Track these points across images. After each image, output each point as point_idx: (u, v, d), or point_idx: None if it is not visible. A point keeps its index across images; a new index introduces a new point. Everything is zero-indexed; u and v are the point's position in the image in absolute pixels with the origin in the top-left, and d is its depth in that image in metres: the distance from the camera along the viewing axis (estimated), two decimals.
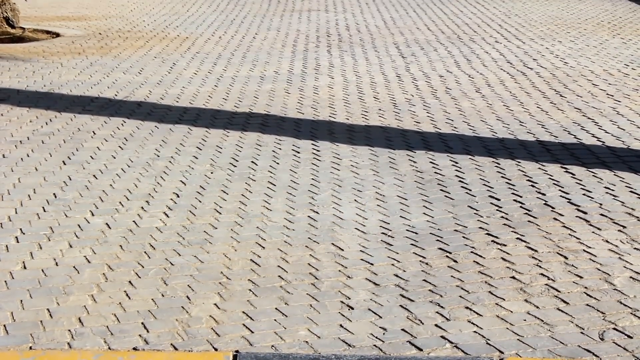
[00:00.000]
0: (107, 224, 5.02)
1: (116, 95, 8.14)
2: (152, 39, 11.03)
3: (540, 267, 4.44)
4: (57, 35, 11.26)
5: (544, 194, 5.51)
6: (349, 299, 4.10)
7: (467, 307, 4.00)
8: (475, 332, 3.78)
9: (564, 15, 13.03)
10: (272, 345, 3.66)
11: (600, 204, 5.33)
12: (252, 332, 3.77)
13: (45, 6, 13.85)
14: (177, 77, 8.92)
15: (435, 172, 5.96)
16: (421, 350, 3.63)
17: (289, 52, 10.26)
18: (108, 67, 9.36)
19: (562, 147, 6.53)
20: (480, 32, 11.57)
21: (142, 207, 5.29)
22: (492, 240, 4.79)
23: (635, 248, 4.68)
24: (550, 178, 5.82)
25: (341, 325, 3.84)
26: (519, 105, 7.78)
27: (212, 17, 12.93)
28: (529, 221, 5.06)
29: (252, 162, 6.20)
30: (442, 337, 3.74)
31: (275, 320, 3.88)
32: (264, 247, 4.70)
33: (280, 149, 6.51)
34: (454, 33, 11.48)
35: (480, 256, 4.58)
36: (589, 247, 4.69)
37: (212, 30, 11.77)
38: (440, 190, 5.61)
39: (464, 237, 4.84)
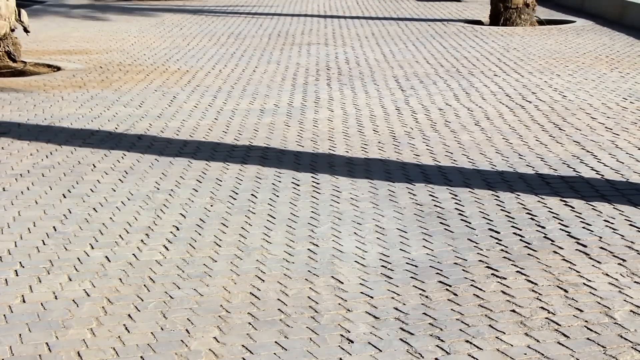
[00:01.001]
0: (106, 257, 5.02)
1: (116, 128, 8.17)
2: (152, 72, 11.09)
3: (540, 300, 4.44)
4: (58, 68, 11.31)
5: (543, 227, 5.51)
6: (349, 332, 4.09)
7: (467, 341, 4.00)
8: None
9: (562, 49, 13.10)
10: None
11: (600, 237, 5.34)
12: None
13: (46, 40, 13.93)
14: (178, 110, 8.95)
15: (434, 205, 5.97)
16: None
17: (288, 85, 10.31)
18: (109, 100, 9.40)
19: (562, 180, 6.54)
20: (479, 65, 11.62)
21: (142, 240, 5.29)
22: (492, 274, 4.78)
23: (635, 282, 4.68)
24: (549, 211, 5.82)
25: (341, 359, 3.83)
26: (518, 138, 7.80)
27: (213, 50, 13.00)
28: (528, 254, 5.06)
29: (252, 194, 6.21)
30: None
31: (274, 353, 3.87)
32: (263, 280, 4.70)
33: (280, 181, 6.53)
34: (452, 66, 11.54)
35: (480, 289, 4.57)
36: (589, 281, 4.69)
37: (213, 63, 11.83)
38: (440, 223, 5.62)
39: (463, 270, 4.84)
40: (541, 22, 16.01)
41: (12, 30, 11.42)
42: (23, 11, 11.75)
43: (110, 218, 5.69)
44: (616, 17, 16.17)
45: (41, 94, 9.71)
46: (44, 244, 5.22)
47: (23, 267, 4.88)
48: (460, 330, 4.11)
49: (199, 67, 11.50)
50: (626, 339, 4.01)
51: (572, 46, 13.34)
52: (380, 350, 3.90)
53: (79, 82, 10.45)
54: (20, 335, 4.05)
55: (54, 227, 5.52)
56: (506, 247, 5.18)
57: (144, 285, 4.63)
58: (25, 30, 11.87)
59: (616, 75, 10.85)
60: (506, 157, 7.19)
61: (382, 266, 4.90)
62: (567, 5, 18.93)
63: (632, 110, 8.91)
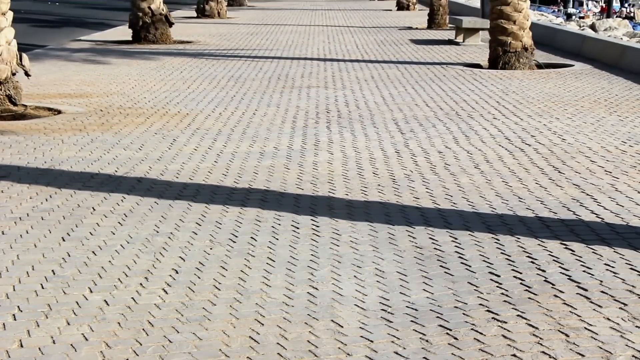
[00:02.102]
0: (105, 300, 5.00)
1: (116, 171, 8.18)
2: (152, 116, 11.12)
3: (541, 344, 4.41)
4: (59, 112, 11.35)
5: (544, 271, 5.49)
6: None
7: None
8: None
9: (561, 92, 13.16)
10: None
11: (601, 281, 5.32)
12: None
13: (47, 84, 13.99)
14: (177, 153, 8.97)
15: (434, 248, 5.95)
16: None
17: (288, 128, 10.34)
18: (109, 143, 9.41)
19: (562, 223, 6.53)
20: (478, 108, 11.66)
21: (141, 284, 5.27)
22: (492, 317, 4.76)
23: (637, 326, 4.65)
24: (550, 254, 5.81)
25: None
26: (517, 181, 7.80)
27: (213, 93, 13.05)
28: (529, 298, 5.04)
29: (252, 237, 6.20)
30: None
31: None
32: (263, 324, 4.67)
33: (279, 224, 6.52)
34: (452, 109, 11.57)
35: (481, 333, 4.54)
36: (590, 325, 4.66)
37: (213, 106, 11.87)
38: (440, 266, 5.60)
39: (464, 313, 4.81)
40: (540, 66, 16.10)
41: (14, 74, 11.48)
42: (24, 55, 11.81)
43: (109, 261, 5.68)
44: (614, 60, 16.26)
45: (41, 137, 9.73)
46: (43, 288, 5.20)
47: (21, 311, 4.85)
48: None
49: (199, 110, 11.54)
50: None
51: (570, 89, 13.40)
52: None
53: (79, 125, 10.48)
54: None
55: (52, 270, 5.50)
56: (507, 290, 5.16)
57: (143, 329, 4.60)
58: (27, 74, 11.93)
59: (615, 118, 10.89)
60: (506, 200, 7.19)
61: (382, 310, 4.87)
62: (565, 49, 19.04)
63: (631, 153, 8.92)
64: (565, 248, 5.94)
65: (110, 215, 6.72)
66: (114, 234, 6.28)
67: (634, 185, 7.65)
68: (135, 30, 20.97)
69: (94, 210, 6.87)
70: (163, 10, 20.95)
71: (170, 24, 21.16)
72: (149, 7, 20.69)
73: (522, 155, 8.83)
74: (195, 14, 31.95)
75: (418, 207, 6.98)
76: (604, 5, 65.60)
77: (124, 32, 22.86)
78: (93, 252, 5.87)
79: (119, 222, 6.55)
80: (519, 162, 8.55)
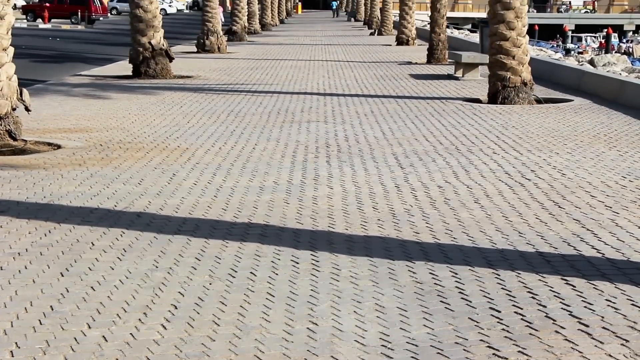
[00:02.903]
0: (103, 336, 4.96)
1: (116, 206, 8.16)
2: (152, 150, 11.13)
3: None
4: (59, 147, 11.36)
5: (545, 306, 5.47)
6: None
7: None
8: None
9: (561, 127, 13.18)
10: None
11: (602, 317, 5.29)
12: None
13: (47, 118, 14.01)
14: (177, 187, 8.96)
15: (435, 283, 5.93)
16: None
17: (288, 162, 10.34)
18: (108, 178, 9.41)
19: (562, 258, 6.51)
20: (478, 143, 11.67)
21: (140, 319, 5.23)
22: (493, 354, 4.72)
23: None
24: (550, 290, 5.78)
25: None
26: (517, 216, 7.79)
27: (212, 128, 13.07)
28: (530, 334, 5.01)
29: (251, 272, 6.17)
30: None
31: None
32: None
33: (279, 259, 6.49)
34: (452, 144, 11.58)
35: None
36: None
37: (212, 141, 11.88)
38: (440, 301, 5.57)
39: (464, 350, 4.78)
40: (539, 101, 16.14)
41: (14, 109, 11.50)
42: (25, 90, 11.84)
43: (108, 297, 5.65)
44: (613, 96, 16.31)
45: (41, 172, 9.73)
46: (41, 324, 5.17)
47: (19, 347, 4.82)
48: None
49: (198, 145, 11.55)
50: None
51: (570, 124, 13.42)
52: None
53: (78, 160, 10.48)
54: None
55: (51, 306, 5.47)
56: (507, 326, 5.13)
57: None
58: (27, 109, 11.95)
59: (615, 153, 10.89)
60: (506, 235, 7.17)
61: (382, 345, 4.84)
62: (564, 84, 19.11)
63: (632, 188, 8.92)
64: (566, 283, 5.92)
65: (110, 250, 6.70)
66: (112, 269, 6.25)
67: (635, 220, 7.63)
68: (136, 65, 21.05)
69: (93, 245, 6.85)
70: (163, 45, 21.04)
71: (171, 59, 21.25)
72: (150, 42, 20.79)
73: (522, 190, 8.82)
74: (195, 49, 32.10)
75: (418, 242, 6.96)
76: (602, 41, 65.94)
77: (124, 67, 22.95)
78: (92, 287, 5.84)
79: (118, 257, 6.52)
80: (519, 196, 8.54)
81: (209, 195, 8.60)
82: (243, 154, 10.92)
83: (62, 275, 6.09)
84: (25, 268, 6.26)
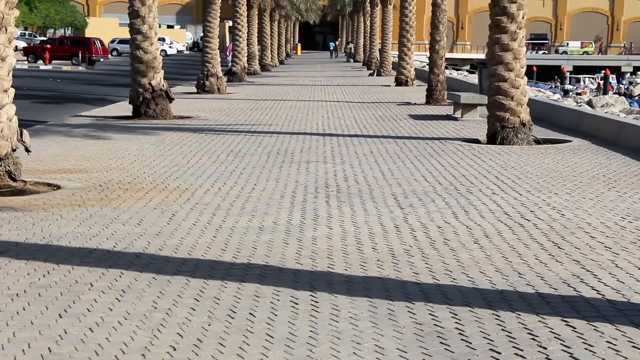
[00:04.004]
0: None
1: (115, 246, 8.15)
2: (152, 191, 11.13)
3: None
4: (58, 187, 11.36)
5: (545, 348, 5.44)
6: None
7: None
8: None
9: (560, 168, 13.20)
10: None
11: (603, 359, 5.26)
12: None
13: (47, 159, 14.03)
14: (176, 228, 8.95)
15: (434, 325, 5.90)
16: None
17: (287, 202, 10.34)
18: (107, 218, 9.40)
19: (562, 299, 6.49)
20: (477, 183, 11.69)
21: None
22: None
23: None
24: (551, 331, 5.76)
25: None
26: (517, 256, 7.78)
27: (212, 168, 13.09)
28: None
29: (250, 313, 6.15)
30: None
31: None
32: None
33: (278, 300, 6.47)
34: (451, 184, 11.60)
35: None
36: None
37: (212, 181, 11.89)
38: (440, 343, 5.54)
39: None
40: (538, 141, 16.19)
41: (14, 150, 11.52)
42: (25, 131, 11.87)
43: (107, 338, 5.62)
44: (612, 137, 16.35)
45: (40, 213, 9.72)
46: None
47: None
48: None
49: (198, 185, 11.56)
50: None
51: (569, 165, 13.45)
52: None
53: (78, 200, 10.48)
54: None
55: (49, 348, 5.44)
56: None
57: None
58: (27, 150, 11.97)
59: (614, 194, 10.90)
60: (506, 275, 7.15)
61: None
62: (563, 125, 19.17)
63: (631, 229, 8.91)
64: (567, 325, 5.89)
65: (108, 291, 6.68)
66: (111, 310, 6.23)
67: (634, 261, 7.62)
68: (136, 106, 21.13)
69: (92, 286, 6.83)
70: (163, 86, 21.14)
71: (171, 100, 21.33)
72: (150, 83, 20.88)
73: (521, 231, 8.81)
74: (195, 90, 32.23)
75: (418, 283, 6.94)
76: (600, 82, 66.27)
77: (124, 107, 23.03)
78: (90, 328, 5.81)
79: (116, 298, 6.50)
80: (518, 237, 8.54)
81: (208, 236, 8.59)
82: (242, 194, 10.93)
83: (61, 317, 6.06)
84: (24, 309, 6.24)
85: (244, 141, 16.65)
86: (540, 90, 43.54)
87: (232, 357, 5.28)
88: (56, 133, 17.84)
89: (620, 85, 66.89)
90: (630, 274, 7.19)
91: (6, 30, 11.41)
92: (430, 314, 6.14)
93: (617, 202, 10.38)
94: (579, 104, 32.58)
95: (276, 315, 6.12)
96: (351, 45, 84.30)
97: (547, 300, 6.45)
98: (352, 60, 79.45)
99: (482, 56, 67.89)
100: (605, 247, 8.13)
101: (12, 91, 11.66)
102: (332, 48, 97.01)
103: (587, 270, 7.29)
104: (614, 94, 52.35)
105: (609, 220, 9.34)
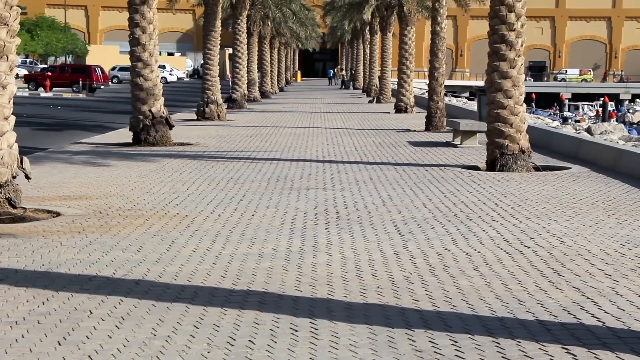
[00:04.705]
0: None
1: (114, 273, 8.14)
2: (151, 217, 11.13)
3: None
4: (58, 214, 11.36)
5: None
6: None
7: None
8: None
9: (559, 195, 13.21)
10: None
11: None
12: None
13: (47, 186, 14.04)
14: (176, 254, 8.94)
15: (435, 352, 5.89)
16: None
17: (287, 229, 10.34)
18: (107, 245, 9.40)
19: (562, 327, 6.48)
20: (476, 210, 11.69)
21: None
22: None
23: None
24: (551, 359, 5.74)
25: None
26: (517, 283, 7.77)
27: (212, 195, 13.09)
28: None
29: (250, 341, 6.13)
30: None
31: None
32: None
33: (278, 327, 6.46)
34: (450, 211, 11.60)
35: None
36: None
37: (212, 208, 11.89)
38: None
39: None
40: (537, 168, 16.21)
41: (14, 177, 11.53)
42: (25, 159, 11.89)
43: None
44: (611, 164, 16.38)
45: (40, 240, 9.72)
46: None
47: None
48: None
49: (198, 212, 11.56)
50: None
51: (568, 192, 13.46)
52: None
53: (78, 227, 10.48)
54: None
55: None
56: None
57: None
58: (27, 177, 11.99)
59: (613, 221, 10.90)
60: (506, 302, 7.14)
61: None
62: (562, 152, 19.20)
63: (631, 256, 8.91)
64: (567, 352, 5.88)
65: (107, 319, 6.67)
66: (110, 337, 6.21)
67: (635, 288, 7.61)
68: (136, 133, 21.17)
69: (91, 313, 6.82)
70: (164, 113, 21.20)
71: (171, 127, 21.38)
72: (150, 110, 20.94)
73: (521, 258, 8.81)
74: (195, 117, 32.31)
75: (417, 310, 6.93)
76: (599, 109, 66.46)
77: (124, 134, 23.08)
78: (89, 356, 5.80)
79: (116, 326, 6.49)
80: (518, 264, 8.53)
81: (207, 263, 8.59)
82: (242, 220, 10.93)
83: (60, 344, 6.05)
84: (23, 337, 6.22)
85: (243, 168, 16.67)
86: (539, 117, 43.67)
87: None
88: (56, 160, 17.86)
89: (620, 113, 67.07)
90: (631, 301, 7.18)
91: (7, 58, 11.46)
92: (430, 341, 6.13)
93: (616, 229, 10.38)
94: (577, 131, 32.65)
95: (276, 342, 6.11)
96: (343, 72, 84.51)
97: (547, 328, 6.44)
98: (343, 87, 79.55)
99: (481, 83, 68.14)
100: (605, 274, 8.12)
101: (12, 118, 11.69)
102: (330, 75, 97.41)
103: (587, 298, 7.28)
104: (615, 121, 52.50)
105: (609, 247, 9.33)
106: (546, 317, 6.70)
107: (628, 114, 64.30)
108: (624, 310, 6.91)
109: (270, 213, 11.51)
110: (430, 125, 26.89)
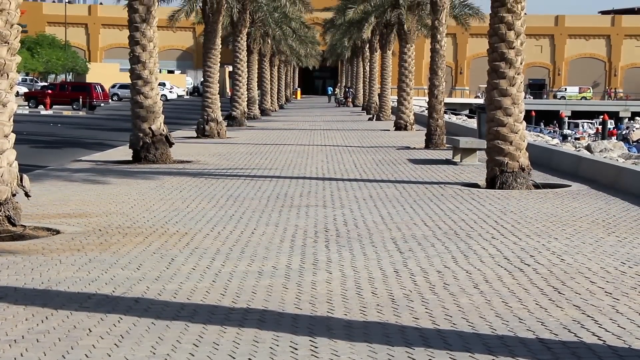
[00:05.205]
0: None
1: (114, 291, 8.13)
2: (151, 235, 11.12)
3: None
4: (58, 232, 11.35)
5: None
6: None
7: None
8: None
9: (559, 212, 13.20)
10: None
11: None
12: None
13: (47, 204, 14.04)
14: (175, 272, 8.93)
15: None
16: None
17: (287, 247, 10.32)
18: (107, 263, 9.38)
19: (563, 345, 6.46)
20: (476, 228, 11.68)
21: None
22: None
23: None
24: None
25: None
26: (517, 301, 7.75)
27: (212, 212, 13.08)
28: None
29: (249, 359, 6.11)
30: None
31: None
32: None
33: (277, 345, 6.44)
34: (450, 229, 11.59)
35: None
36: None
37: (211, 225, 11.88)
38: None
39: None
40: (537, 186, 16.21)
41: (14, 195, 11.52)
42: (25, 176, 11.88)
43: None
44: (611, 181, 16.37)
45: (39, 258, 9.70)
46: None
47: None
48: None
49: (197, 230, 11.55)
50: None
51: (568, 210, 13.45)
52: None
53: (77, 245, 10.46)
54: None
55: None
56: None
57: None
58: (27, 195, 11.98)
59: (613, 239, 10.89)
60: (506, 321, 7.12)
61: None
62: (562, 170, 19.21)
63: (631, 275, 8.89)
64: None
65: (107, 337, 6.65)
66: (110, 356, 6.19)
67: (635, 307, 7.59)
68: (136, 150, 21.19)
69: (90, 331, 6.80)
70: (164, 130, 21.22)
71: (171, 144, 21.40)
72: (150, 128, 20.97)
73: (521, 276, 8.80)
74: (195, 134, 32.33)
75: (417, 328, 6.91)
76: (598, 126, 66.56)
77: (124, 152, 23.09)
78: None
79: (115, 344, 6.47)
80: (518, 282, 8.52)
81: (207, 280, 8.57)
82: (242, 238, 10.92)
83: None
84: (21, 355, 6.20)
85: (243, 185, 16.66)
86: (539, 135, 43.70)
87: None
88: (56, 178, 17.86)
89: (619, 131, 67.16)
90: (631, 319, 7.16)
91: (8, 76, 11.48)
92: (430, 359, 6.11)
93: (616, 247, 10.36)
94: (577, 149, 32.67)
95: None
96: (337, 90, 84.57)
97: (547, 346, 6.42)
98: (338, 104, 79.65)
99: (481, 101, 68.26)
100: (605, 292, 8.11)
101: (12, 136, 11.70)
102: (329, 93, 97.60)
103: (588, 316, 7.26)
104: (616, 138, 52.53)
105: (609, 265, 9.32)
106: (547, 336, 6.69)
107: (631, 131, 64.40)
108: (624, 328, 6.89)
109: (270, 231, 11.50)
110: (430, 143, 26.91)
